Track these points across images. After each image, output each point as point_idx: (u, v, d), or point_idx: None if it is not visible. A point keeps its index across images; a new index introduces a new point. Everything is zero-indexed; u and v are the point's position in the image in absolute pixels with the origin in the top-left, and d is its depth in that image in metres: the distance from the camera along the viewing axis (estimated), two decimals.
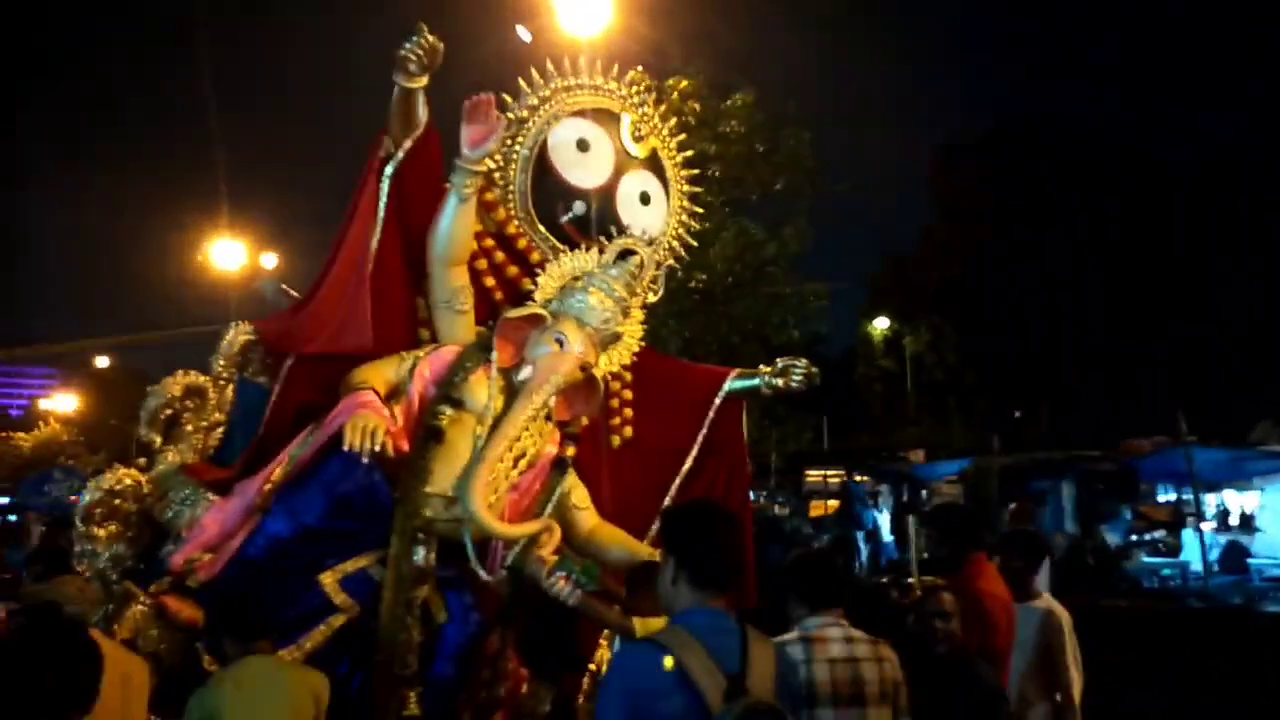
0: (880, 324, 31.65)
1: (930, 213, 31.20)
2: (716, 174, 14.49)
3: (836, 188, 16.75)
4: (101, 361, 40.69)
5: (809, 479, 20.15)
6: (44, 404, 45.62)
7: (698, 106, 14.24)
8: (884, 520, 15.67)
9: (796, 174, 15.35)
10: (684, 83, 14.24)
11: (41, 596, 4.08)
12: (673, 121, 5.35)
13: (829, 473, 19.24)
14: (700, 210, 5.42)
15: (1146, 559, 13.05)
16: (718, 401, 5.05)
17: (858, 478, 18.22)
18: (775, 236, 15.08)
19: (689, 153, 5.41)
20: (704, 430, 5.02)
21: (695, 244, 5.41)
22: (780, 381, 4.98)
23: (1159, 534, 13.49)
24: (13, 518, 18.18)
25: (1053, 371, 26.06)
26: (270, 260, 17.51)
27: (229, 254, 16.73)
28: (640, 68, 13.50)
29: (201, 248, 17.27)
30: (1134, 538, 13.46)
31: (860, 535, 15.29)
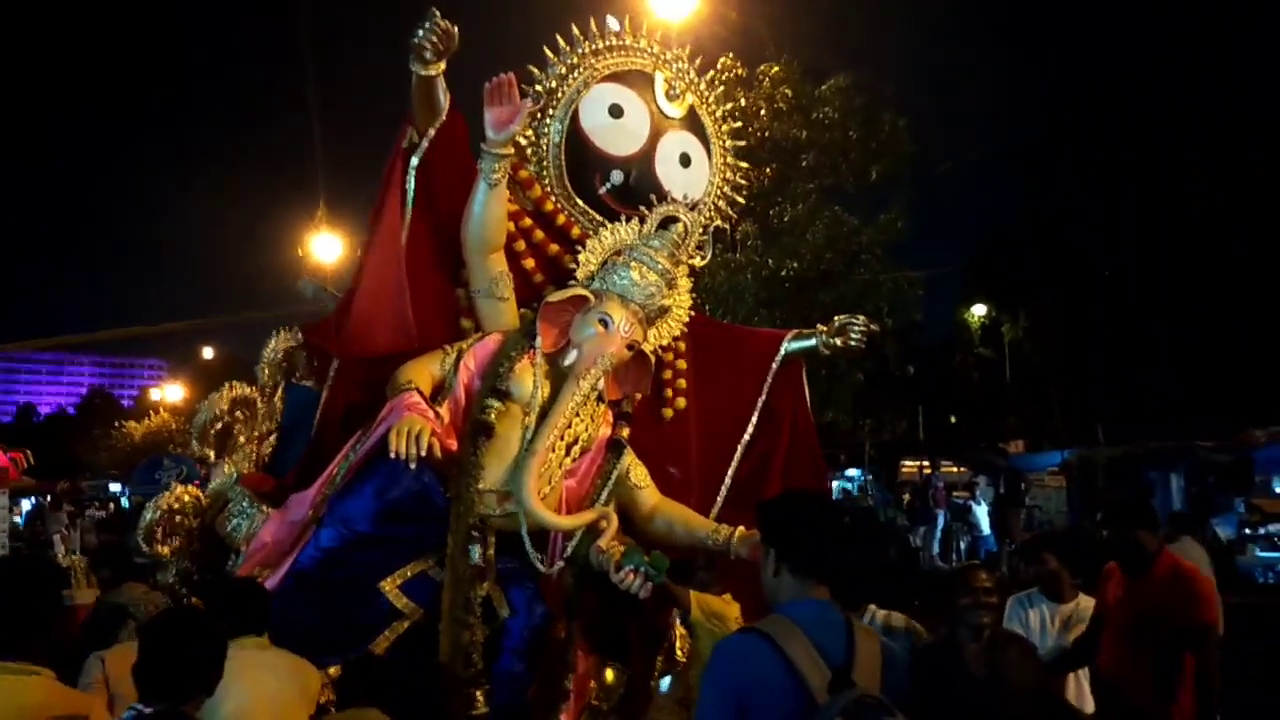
0: (978, 310, 30.52)
1: (1030, 196, 29.55)
2: (808, 161, 14.13)
3: (936, 173, 16.22)
4: (208, 353, 42.43)
5: (904, 470, 19.86)
6: (154, 394, 47.89)
7: (790, 92, 13.86)
8: (982, 513, 15.36)
9: (894, 160, 14.81)
10: (775, 68, 13.86)
11: (110, 601, 4.22)
12: (709, 75, 5.12)
13: (925, 463, 18.91)
14: (745, 165, 5.21)
15: (1261, 553, 12.50)
16: (775, 365, 4.88)
17: (952, 468, 17.92)
18: (870, 224, 14.65)
19: (729, 106, 5.19)
20: (763, 396, 4.86)
21: (739, 199, 5.18)
22: (839, 340, 4.79)
23: (1275, 527, 12.85)
24: (125, 503, 19.17)
25: (1157, 360, 24.54)
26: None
27: (327, 247, 17.12)
28: (730, 54, 13.31)
29: (301, 242, 17.69)
30: (1247, 531, 12.88)
31: (939, 527, 15.33)
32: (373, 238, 4.21)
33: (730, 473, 4.77)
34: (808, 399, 5.03)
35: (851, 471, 21.95)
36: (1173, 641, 3.95)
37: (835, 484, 20.72)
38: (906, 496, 18.39)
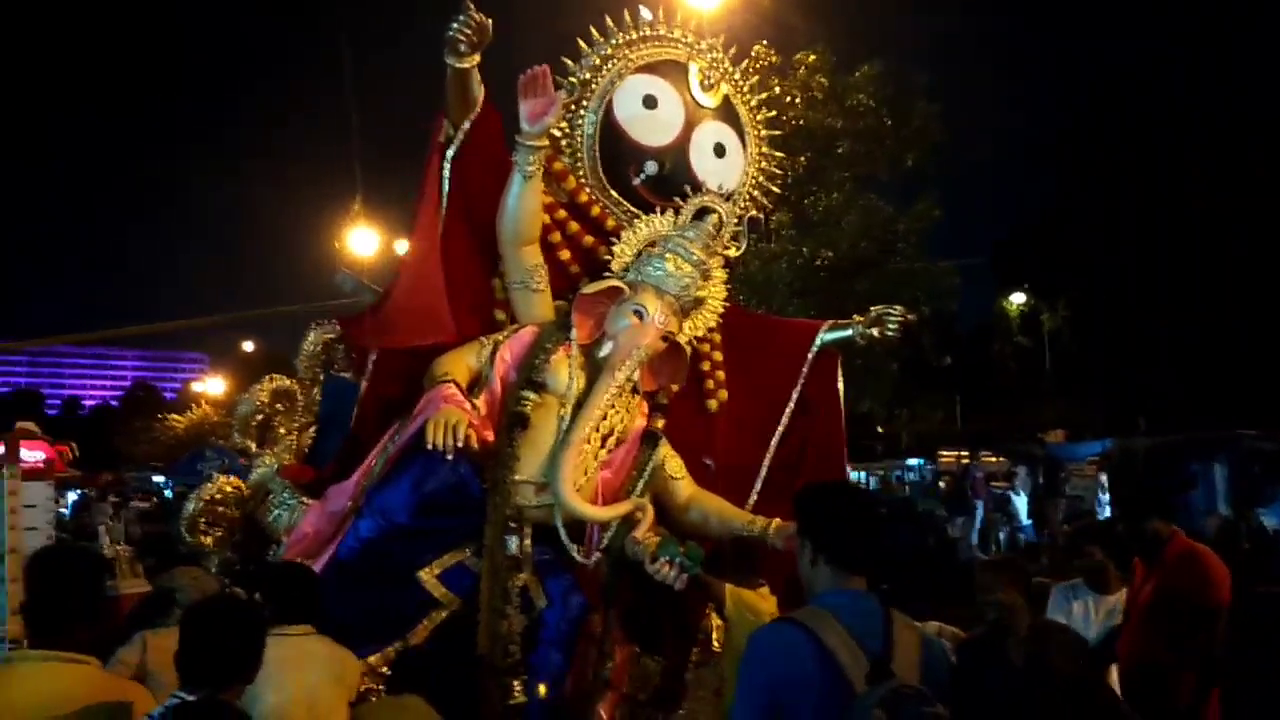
0: (1016, 299, 30.13)
1: (1063, 180, 29.27)
2: (843, 149, 14.17)
3: (967, 159, 16.21)
4: (248, 346, 43.10)
5: (942, 460, 19.73)
6: (196, 387, 48.67)
7: (825, 81, 13.88)
8: (1021, 503, 15.20)
9: (926, 148, 14.79)
10: (811, 56, 13.87)
11: (161, 585, 4.26)
12: (744, 64, 5.08)
13: (963, 454, 18.76)
14: (780, 155, 5.17)
15: None
16: (810, 357, 4.85)
17: (991, 459, 17.76)
18: (905, 212, 14.62)
19: (764, 95, 5.15)
20: (799, 386, 4.83)
21: (773, 188, 5.15)
22: (875, 331, 4.75)
23: None
24: (168, 494, 19.48)
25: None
26: (402, 246, 18.08)
27: (363, 240, 17.24)
28: (764, 42, 13.30)
29: (338, 235, 17.84)
30: None
31: (978, 518, 15.11)
32: (413, 232, 4.24)
33: (766, 464, 4.75)
34: (841, 391, 5.00)
35: (913, 461, 21.88)
36: (1190, 625, 3.93)
37: (894, 474, 20.66)
38: (942, 484, 18.24)
